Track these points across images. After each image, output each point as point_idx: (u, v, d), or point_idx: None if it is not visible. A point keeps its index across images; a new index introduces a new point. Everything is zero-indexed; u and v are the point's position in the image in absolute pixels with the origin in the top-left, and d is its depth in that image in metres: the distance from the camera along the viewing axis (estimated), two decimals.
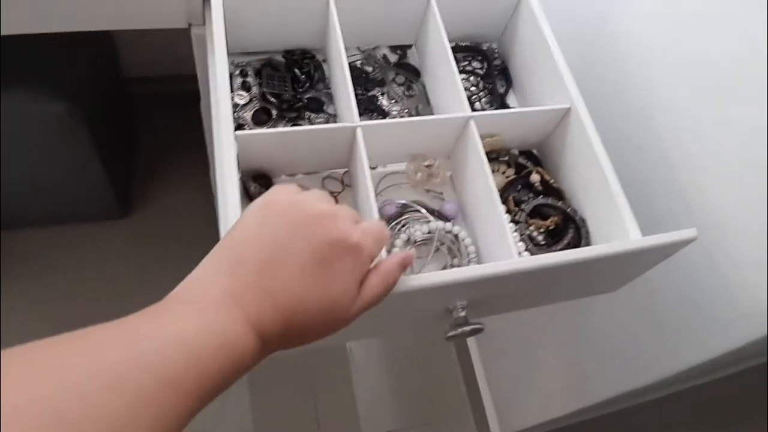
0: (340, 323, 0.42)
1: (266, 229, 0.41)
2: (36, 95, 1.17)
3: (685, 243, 0.60)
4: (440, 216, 0.72)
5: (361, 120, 0.66)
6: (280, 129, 0.64)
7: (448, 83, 0.72)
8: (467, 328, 0.58)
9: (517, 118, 0.71)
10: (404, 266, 0.46)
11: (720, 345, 0.77)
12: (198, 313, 0.36)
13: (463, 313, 0.60)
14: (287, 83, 0.76)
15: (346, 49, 0.71)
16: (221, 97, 0.63)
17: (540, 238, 0.70)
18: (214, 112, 0.67)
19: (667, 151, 0.81)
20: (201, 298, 0.38)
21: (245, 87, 0.76)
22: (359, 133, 0.65)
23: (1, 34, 0.76)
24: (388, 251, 0.66)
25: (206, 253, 0.41)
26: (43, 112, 1.17)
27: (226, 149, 0.62)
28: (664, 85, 0.79)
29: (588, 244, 0.69)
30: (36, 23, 0.78)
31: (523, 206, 0.70)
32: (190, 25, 0.82)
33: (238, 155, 0.63)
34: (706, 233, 0.77)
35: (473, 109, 0.76)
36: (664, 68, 0.79)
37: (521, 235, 0.69)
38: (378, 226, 0.46)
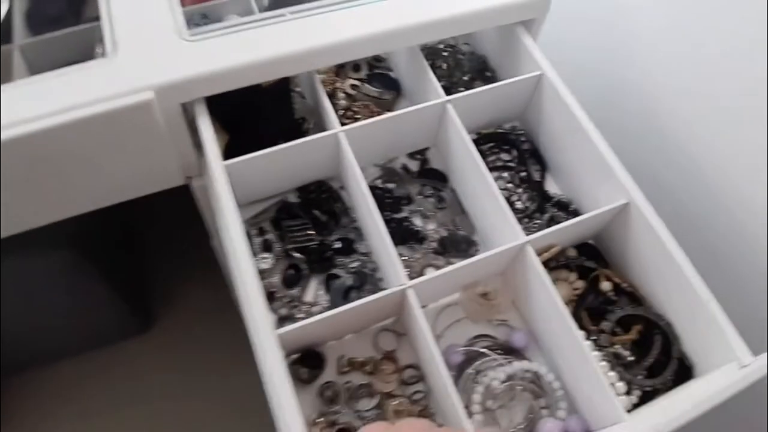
0: None
1: None
2: (38, 245, 1.09)
3: None
4: (511, 350, 0.65)
5: (397, 249, 0.60)
6: (328, 314, 0.57)
7: (489, 201, 0.65)
8: None
9: (574, 226, 0.64)
10: None
11: None
12: None
13: None
14: (310, 230, 0.69)
15: (363, 169, 0.64)
16: (251, 293, 0.56)
17: (626, 354, 0.63)
18: (246, 309, 0.59)
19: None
20: None
21: (266, 247, 0.68)
22: (411, 293, 0.58)
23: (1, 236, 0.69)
24: (467, 408, 0.60)
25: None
26: (46, 262, 1.10)
27: (269, 351, 0.55)
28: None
29: (680, 350, 0.62)
30: (35, 219, 0.70)
31: (602, 325, 0.63)
32: (189, 178, 0.74)
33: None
34: None
35: (513, 208, 0.70)
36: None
37: (605, 356, 0.62)
38: None
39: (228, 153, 0.64)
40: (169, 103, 0.61)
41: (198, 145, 0.70)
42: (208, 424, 1.44)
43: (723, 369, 0.56)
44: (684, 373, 0.61)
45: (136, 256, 1.60)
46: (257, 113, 0.73)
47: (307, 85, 0.76)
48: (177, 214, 1.54)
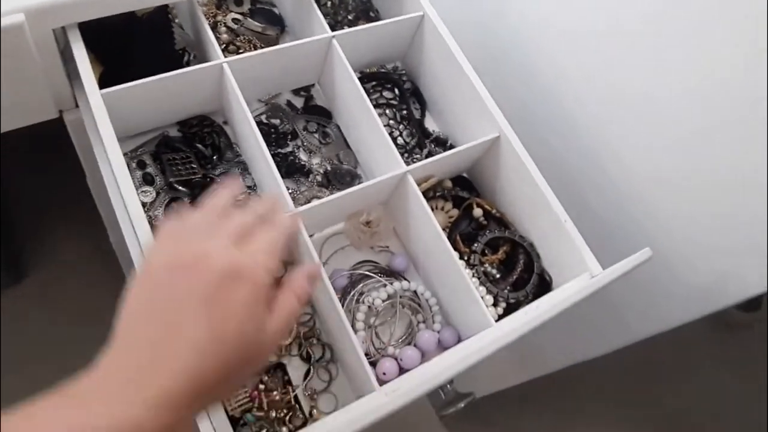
0: (260, 354, 0.40)
1: (149, 302, 0.38)
2: None
3: (642, 264, 0.62)
4: (391, 273, 0.69)
5: (284, 182, 0.61)
6: None
7: (372, 134, 0.68)
8: (461, 404, 0.57)
9: (449, 157, 0.68)
10: (312, 279, 0.44)
11: (667, 319, 0.82)
12: (98, 409, 0.33)
13: (452, 387, 0.58)
14: (193, 163, 0.68)
15: (247, 105, 0.65)
16: (136, 222, 0.55)
17: (494, 272, 0.69)
18: (129, 240, 0.59)
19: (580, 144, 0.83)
20: (102, 391, 0.35)
21: (147, 180, 0.67)
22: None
23: None
24: (353, 325, 0.63)
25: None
26: None
27: None
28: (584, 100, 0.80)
29: (540, 266, 0.69)
30: None
31: (474, 246, 0.68)
32: (61, 112, 0.71)
33: None
34: (647, 223, 0.80)
35: (395, 143, 0.73)
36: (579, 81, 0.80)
37: (476, 274, 0.68)
38: (266, 239, 0.42)
39: (102, 85, 0.62)
40: (41, 28, 0.58)
41: (71, 76, 0.66)
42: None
43: (576, 279, 0.63)
44: (544, 286, 0.69)
45: (3, 202, 1.49)
46: (133, 44, 0.70)
47: (188, 16, 0.74)
48: (40, 160, 1.44)
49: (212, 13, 0.78)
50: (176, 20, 0.77)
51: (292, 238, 0.49)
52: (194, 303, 0.37)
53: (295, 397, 0.62)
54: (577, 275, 0.64)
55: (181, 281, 0.38)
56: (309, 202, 0.70)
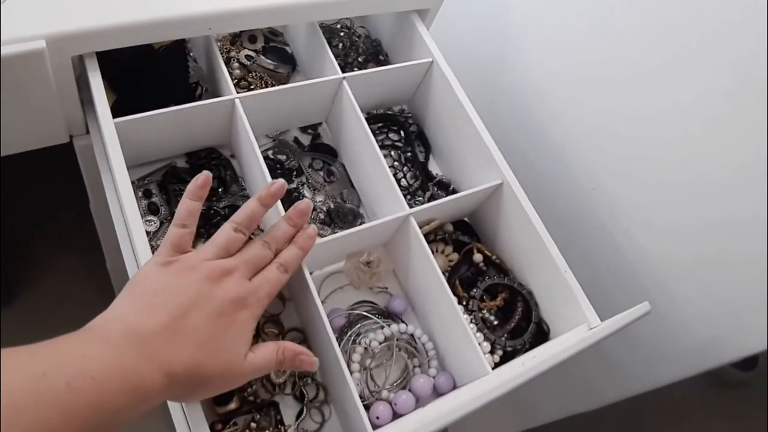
0: (235, 377, 0.48)
1: (174, 282, 0.47)
2: None
3: (641, 318, 0.62)
4: (389, 314, 0.69)
5: None
6: None
7: (377, 175, 0.69)
8: None
9: (452, 202, 0.69)
10: (295, 360, 0.52)
11: (662, 376, 0.81)
12: (107, 351, 0.40)
13: None
14: None
15: (255, 139, 0.65)
16: (140, 251, 0.55)
17: (492, 318, 0.69)
18: (131, 268, 0.59)
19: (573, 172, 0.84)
20: (112, 336, 0.41)
21: (152, 210, 0.67)
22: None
23: None
24: (348, 366, 0.63)
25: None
26: None
27: None
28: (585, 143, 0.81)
29: (539, 315, 0.69)
30: None
31: (473, 291, 0.69)
32: (71, 137, 0.72)
33: None
34: (644, 279, 0.81)
35: (399, 185, 0.74)
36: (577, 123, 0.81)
37: (474, 320, 0.67)
38: (269, 283, 0.51)
39: (114, 114, 0.63)
40: (61, 55, 0.59)
41: (85, 102, 0.67)
42: None
43: (574, 330, 0.63)
44: (541, 335, 0.69)
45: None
46: (148, 75, 0.72)
47: (203, 50, 0.76)
48: (42, 181, 1.45)
49: (226, 48, 0.80)
50: (191, 54, 0.79)
51: (292, 274, 0.55)
52: (210, 313, 0.46)
53: None
54: (575, 326, 0.64)
55: (203, 289, 0.47)
56: None
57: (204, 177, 0.53)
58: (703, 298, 0.76)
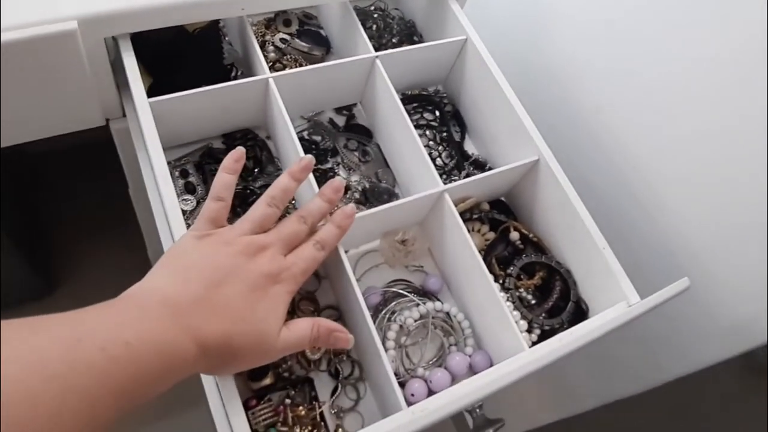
0: (267, 352, 0.48)
1: (210, 255, 0.47)
2: None
3: (680, 294, 0.60)
4: (425, 293, 0.68)
5: None
6: None
7: (411, 153, 0.68)
8: (490, 430, 0.56)
9: (488, 179, 0.68)
10: (330, 337, 0.52)
11: (702, 358, 0.79)
12: (143, 318, 0.40)
13: (481, 412, 0.57)
14: None
15: (290, 120, 0.66)
16: (176, 230, 0.56)
17: (529, 297, 0.68)
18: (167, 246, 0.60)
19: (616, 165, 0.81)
20: (147, 304, 0.42)
21: (189, 189, 0.68)
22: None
23: None
24: (383, 343, 0.63)
25: None
26: None
27: None
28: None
29: (577, 294, 0.68)
30: None
31: (509, 270, 0.67)
32: (107, 120, 0.73)
33: None
34: (682, 259, 0.78)
35: (434, 164, 0.73)
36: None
37: (510, 298, 0.66)
38: (305, 260, 0.51)
39: (150, 96, 0.64)
40: (93, 36, 0.60)
41: (120, 85, 0.69)
42: None
43: (614, 308, 0.62)
44: (580, 314, 0.67)
45: (40, 214, 1.53)
46: (183, 58, 0.73)
47: (237, 33, 0.76)
48: (80, 173, 1.48)
49: (261, 32, 0.80)
50: (226, 37, 0.80)
51: (329, 252, 0.55)
52: (243, 287, 0.46)
53: (321, 413, 0.61)
54: (613, 304, 0.62)
55: (238, 263, 0.47)
56: None
57: (239, 151, 0.54)
58: (740, 275, 0.73)
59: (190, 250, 0.48)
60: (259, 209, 0.53)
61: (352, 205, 0.57)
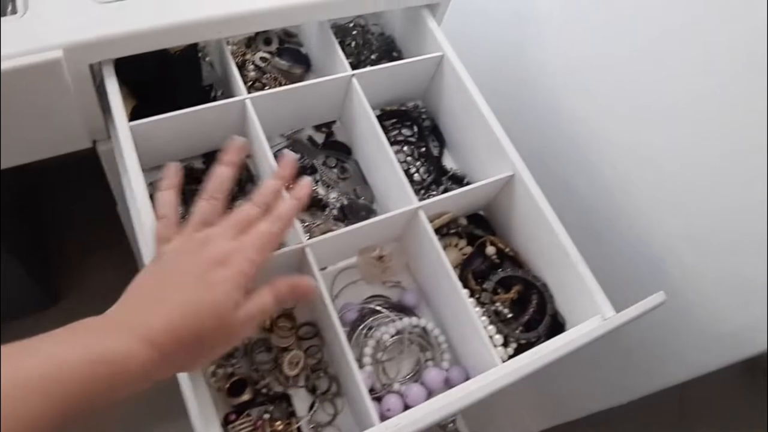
0: (229, 332, 0.47)
1: (156, 266, 0.48)
2: None
3: (655, 308, 0.61)
4: (402, 308, 0.69)
5: (299, 215, 0.63)
6: None
7: (387, 170, 0.69)
8: None
9: (463, 195, 0.69)
10: (296, 293, 0.52)
11: (690, 368, 0.79)
12: (80, 333, 0.41)
13: (454, 426, 0.58)
14: None
15: (268, 140, 0.67)
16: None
17: (506, 311, 0.68)
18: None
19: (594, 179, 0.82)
20: (87, 321, 0.43)
21: None
22: (309, 252, 0.61)
23: None
24: (359, 360, 0.64)
25: None
26: None
27: None
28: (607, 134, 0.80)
29: (554, 308, 0.69)
30: None
31: (485, 285, 0.68)
32: (95, 142, 0.75)
33: None
34: (665, 266, 0.79)
35: (411, 180, 0.74)
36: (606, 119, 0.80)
37: (486, 312, 0.67)
38: (260, 233, 0.50)
39: (134, 118, 0.65)
40: (78, 63, 0.61)
41: (105, 109, 0.70)
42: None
43: (589, 321, 0.62)
44: (557, 328, 0.68)
45: (41, 227, 1.54)
46: (165, 79, 0.74)
47: (217, 54, 0.78)
48: (80, 187, 1.50)
49: (241, 51, 0.82)
50: (207, 58, 0.81)
51: (288, 225, 0.54)
52: (188, 278, 0.46)
53: (299, 428, 0.62)
54: (589, 317, 0.63)
55: (183, 262, 0.48)
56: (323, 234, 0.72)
57: (172, 167, 0.55)
58: (728, 285, 0.74)
59: (141, 276, 0.48)
60: (198, 206, 0.52)
61: (307, 178, 0.57)
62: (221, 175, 0.54)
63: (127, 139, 0.63)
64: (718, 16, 0.69)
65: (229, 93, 0.75)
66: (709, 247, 0.77)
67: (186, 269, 0.47)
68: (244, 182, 0.73)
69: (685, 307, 0.80)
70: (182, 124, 0.67)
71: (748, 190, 0.71)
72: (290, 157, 0.56)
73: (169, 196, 0.53)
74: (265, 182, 0.55)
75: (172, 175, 0.54)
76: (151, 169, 0.73)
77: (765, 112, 0.65)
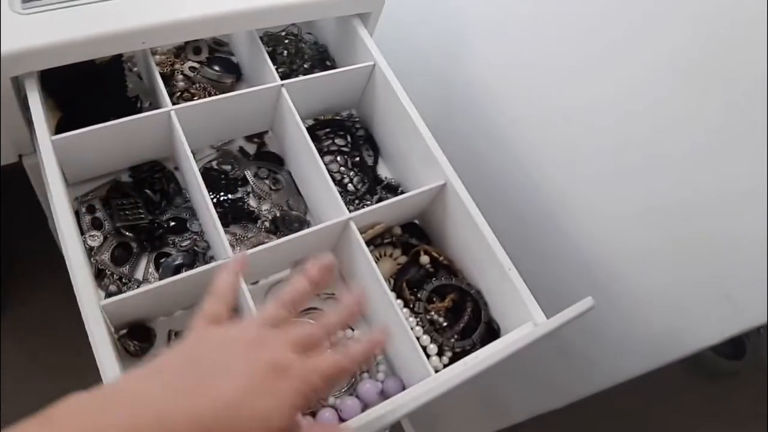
0: None
1: (196, 343, 0.40)
2: None
3: (584, 313, 0.62)
4: None
5: (230, 228, 0.62)
6: (153, 285, 0.57)
7: (318, 181, 0.68)
8: None
9: (395, 204, 0.69)
10: None
11: (626, 370, 0.81)
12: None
13: None
14: (141, 209, 0.69)
15: (197, 151, 0.65)
16: (76, 268, 0.55)
17: (441, 320, 0.68)
18: (74, 281, 0.58)
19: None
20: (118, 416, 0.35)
21: (96, 225, 0.67)
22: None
23: None
24: None
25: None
26: None
27: (94, 323, 0.54)
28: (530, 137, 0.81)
29: (488, 315, 0.69)
30: None
31: (419, 294, 0.68)
32: (20, 156, 0.71)
33: (106, 318, 0.56)
34: (597, 270, 0.80)
35: (345, 190, 0.74)
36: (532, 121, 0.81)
37: (420, 322, 0.67)
38: (327, 363, 0.42)
39: (60, 130, 0.63)
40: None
41: (30, 122, 0.67)
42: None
43: (520, 328, 0.63)
44: (492, 335, 0.68)
45: None
46: (91, 91, 0.72)
47: (143, 64, 0.75)
48: (17, 199, 1.45)
49: (170, 61, 0.80)
50: (134, 69, 0.79)
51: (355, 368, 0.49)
52: (240, 373, 0.38)
53: None
54: (521, 323, 0.64)
55: (238, 351, 0.40)
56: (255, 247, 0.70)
57: (242, 256, 0.49)
58: (659, 288, 0.76)
59: (178, 348, 0.41)
60: (266, 309, 0.45)
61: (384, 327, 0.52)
62: (300, 290, 0.46)
63: (49, 154, 0.61)
64: (652, 23, 0.71)
65: (156, 104, 0.74)
66: (637, 253, 0.79)
67: (235, 361, 0.39)
68: (173, 195, 0.71)
69: (616, 311, 0.82)
70: (107, 137, 0.65)
71: (676, 194, 0.73)
72: (327, 261, 0.48)
73: (233, 279, 0.47)
74: (332, 312, 0.47)
75: (240, 261, 0.48)
76: (80, 183, 0.71)
77: (694, 114, 0.67)
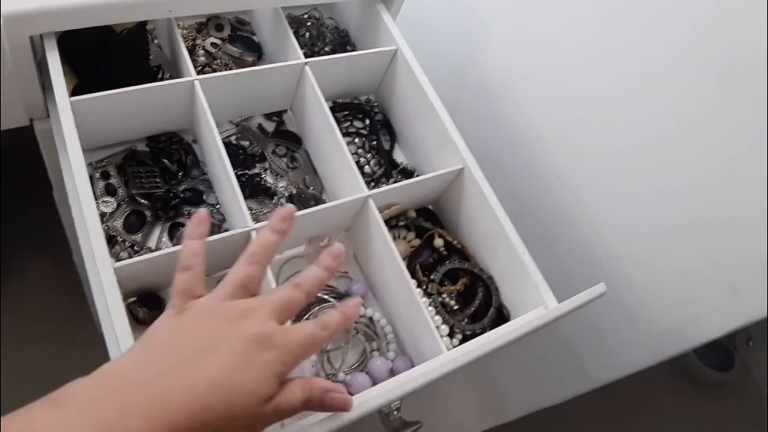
0: (254, 419, 0.41)
1: (184, 327, 0.41)
2: None
3: (596, 298, 0.62)
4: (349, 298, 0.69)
5: (247, 202, 0.62)
6: (166, 251, 0.57)
7: (338, 160, 0.69)
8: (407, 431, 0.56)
9: (413, 186, 0.69)
10: (325, 398, 0.45)
11: (627, 365, 0.81)
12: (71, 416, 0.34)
13: (398, 414, 0.57)
14: (157, 177, 0.69)
15: (218, 125, 0.65)
16: (91, 230, 0.55)
17: (452, 303, 0.69)
18: (84, 249, 0.58)
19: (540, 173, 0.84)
20: (82, 398, 0.36)
21: (110, 191, 0.67)
22: (254, 236, 0.60)
23: None
24: None
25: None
26: None
27: (108, 287, 0.54)
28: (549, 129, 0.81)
29: (499, 300, 0.69)
30: None
31: (432, 276, 0.68)
32: (32, 120, 0.71)
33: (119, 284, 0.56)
34: (605, 267, 0.81)
35: (361, 172, 0.74)
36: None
37: (433, 303, 0.67)
38: (308, 333, 0.44)
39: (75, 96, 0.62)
40: (18, 34, 0.58)
41: (45, 85, 0.67)
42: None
43: (533, 311, 0.63)
44: (501, 320, 0.68)
45: None
46: (110, 58, 0.71)
47: (166, 36, 0.76)
48: (12, 173, 1.44)
49: (192, 36, 0.80)
50: (155, 40, 0.79)
51: (332, 337, 0.48)
52: (226, 349, 0.40)
53: None
54: (533, 308, 0.64)
55: (216, 329, 0.41)
56: None
57: (200, 215, 0.48)
58: (662, 283, 0.76)
59: (164, 327, 0.42)
60: (239, 269, 0.46)
61: (357, 299, 0.52)
62: (267, 241, 0.48)
63: (67, 116, 0.60)
64: (662, 23, 0.72)
65: (177, 76, 0.74)
66: (644, 250, 0.80)
67: (219, 337, 0.40)
68: (190, 167, 0.71)
69: (622, 304, 0.82)
70: (127, 103, 0.65)
71: (681, 191, 0.74)
72: (338, 249, 0.49)
73: (196, 245, 0.46)
74: (311, 268, 0.48)
75: (199, 223, 0.48)
76: (93, 150, 0.70)
77: (696, 106, 0.68)
